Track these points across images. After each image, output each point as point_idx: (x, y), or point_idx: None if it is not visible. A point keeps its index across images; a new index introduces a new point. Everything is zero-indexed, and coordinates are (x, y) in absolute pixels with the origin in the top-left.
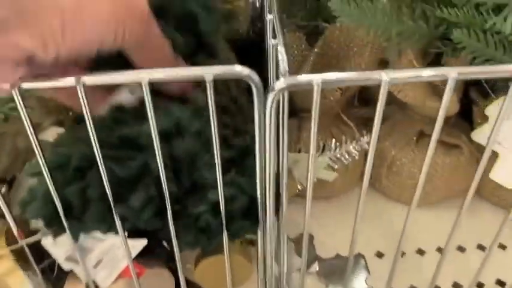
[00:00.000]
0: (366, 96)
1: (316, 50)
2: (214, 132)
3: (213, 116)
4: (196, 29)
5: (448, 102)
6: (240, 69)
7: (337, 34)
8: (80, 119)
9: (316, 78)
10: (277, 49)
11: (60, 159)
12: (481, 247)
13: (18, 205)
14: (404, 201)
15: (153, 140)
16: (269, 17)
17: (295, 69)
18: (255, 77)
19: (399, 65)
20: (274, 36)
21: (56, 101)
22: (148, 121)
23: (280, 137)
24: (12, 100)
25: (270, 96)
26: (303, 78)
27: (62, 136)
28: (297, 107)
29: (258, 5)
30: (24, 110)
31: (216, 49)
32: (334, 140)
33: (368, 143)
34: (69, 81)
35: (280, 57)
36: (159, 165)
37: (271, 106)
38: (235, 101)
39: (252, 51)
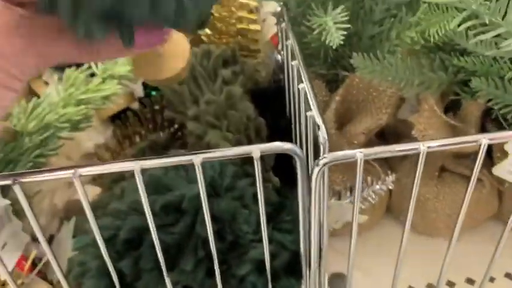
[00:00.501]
0: (384, 131)
1: (337, 98)
2: (262, 208)
3: (260, 189)
4: None
5: (478, 170)
6: (283, 145)
7: (356, 81)
8: (115, 179)
9: (359, 154)
10: (305, 94)
11: (109, 232)
12: (509, 276)
13: (71, 279)
14: (429, 233)
15: (194, 203)
16: (294, 63)
17: None
18: (298, 151)
19: (421, 110)
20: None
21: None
22: (187, 186)
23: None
24: (38, 147)
25: (316, 171)
26: (347, 153)
27: (105, 200)
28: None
29: (279, 58)
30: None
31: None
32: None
33: (393, 182)
34: (66, 173)
35: (319, 129)
36: (207, 224)
37: (317, 179)
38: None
39: (273, 98)
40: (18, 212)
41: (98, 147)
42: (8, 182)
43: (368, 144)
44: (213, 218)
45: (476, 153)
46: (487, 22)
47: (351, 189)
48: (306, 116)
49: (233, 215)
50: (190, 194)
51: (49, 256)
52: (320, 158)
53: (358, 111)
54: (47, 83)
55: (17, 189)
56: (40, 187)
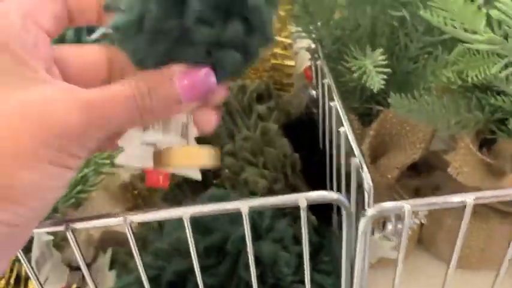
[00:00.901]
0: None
1: (372, 132)
2: (306, 253)
3: (305, 239)
4: None
5: None
6: (330, 195)
7: (390, 116)
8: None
9: (407, 206)
10: (346, 137)
11: (152, 272)
12: None
13: None
14: (461, 266)
15: (237, 245)
16: (333, 103)
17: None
18: (345, 201)
19: (457, 148)
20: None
21: (124, 191)
22: (229, 226)
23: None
24: (79, 184)
25: (363, 222)
26: (393, 205)
27: (143, 233)
28: None
29: (314, 93)
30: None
31: None
32: (393, 217)
33: (426, 217)
34: (116, 220)
35: (363, 172)
36: (250, 268)
37: (363, 230)
38: None
39: (306, 131)
40: (58, 244)
41: (133, 177)
42: (61, 228)
43: (399, 175)
44: (255, 261)
45: None
46: None
47: (384, 224)
48: (348, 161)
49: (274, 259)
50: (234, 236)
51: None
52: (367, 210)
53: (391, 145)
54: None
55: (69, 235)
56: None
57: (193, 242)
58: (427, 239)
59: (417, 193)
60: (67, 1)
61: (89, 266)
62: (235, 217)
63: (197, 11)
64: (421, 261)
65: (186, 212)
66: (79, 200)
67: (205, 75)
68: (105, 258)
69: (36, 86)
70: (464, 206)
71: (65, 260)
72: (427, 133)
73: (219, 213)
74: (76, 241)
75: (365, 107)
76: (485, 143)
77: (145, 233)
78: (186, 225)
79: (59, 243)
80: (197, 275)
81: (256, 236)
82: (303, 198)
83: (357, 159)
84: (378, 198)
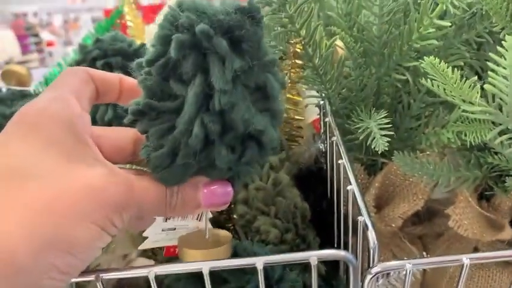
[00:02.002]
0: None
1: (377, 184)
2: None
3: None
4: None
5: None
6: (338, 253)
7: (394, 169)
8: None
9: (408, 265)
10: (354, 195)
11: None
12: None
13: None
14: None
15: None
16: (340, 161)
17: None
18: (352, 259)
19: (457, 202)
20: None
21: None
22: (242, 276)
23: None
24: None
25: (368, 279)
26: (397, 263)
27: None
28: None
29: (322, 146)
30: None
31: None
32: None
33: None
34: (142, 272)
35: (369, 231)
36: None
37: (368, 286)
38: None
39: (315, 182)
40: (80, 285)
41: None
42: (92, 277)
43: (402, 223)
44: None
45: (509, 240)
46: None
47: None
48: (354, 218)
49: None
50: (248, 287)
51: None
52: (372, 268)
53: (395, 195)
54: None
55: (99, 285)
56: (98, 261)
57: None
58: (430, 285)
59: (421, 240)
60: (95, 83)
61: None
62: (247, 267)
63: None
64: None
65: (205, 265)
66: None
67: (224, 187)
68: None
69: (95, 165)
70: (463, 267)
71: None
72: (429, 185)
73: (236, 267)
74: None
75: (370, 159)
76: (485, 197)
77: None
78: (205, 278)
79: (81, 283)
80: None
81: (268, 286)
82: (314, 257)
83: (363, 217)
84: (383, 246)
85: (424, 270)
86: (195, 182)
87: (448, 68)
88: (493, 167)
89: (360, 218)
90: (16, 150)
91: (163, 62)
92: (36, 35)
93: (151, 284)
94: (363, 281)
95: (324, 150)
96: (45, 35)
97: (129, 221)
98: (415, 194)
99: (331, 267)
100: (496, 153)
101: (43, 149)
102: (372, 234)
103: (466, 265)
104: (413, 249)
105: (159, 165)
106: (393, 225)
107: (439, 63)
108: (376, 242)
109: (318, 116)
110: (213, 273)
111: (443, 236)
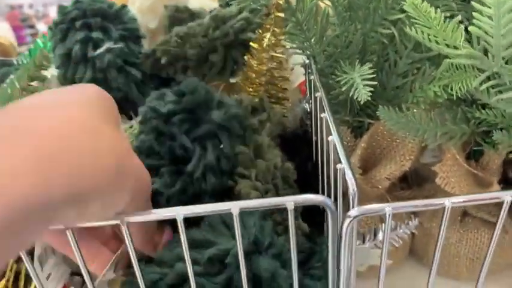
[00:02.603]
0: (406, 174)
1: (363, 144)
2: (294, 256)
3: (293, 240)
4: None
5: (501, 225)
6: (316, 198)
7: (381, 129)
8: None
9: (388, 208)
10: (335, 146)
11: (155, 276)
12: None
13: None
14: (451, 276)
15: (237, 258)
16: (323, 115)
17: None
18: (330, 203)
19: (444, 159)
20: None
21: None
22: (231, 241)
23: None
24: None
25: (346, 223)
26: (376, 207)
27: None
28: None
29: (307, 106)
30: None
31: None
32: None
33: (416, 227)
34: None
35: (348, 177)
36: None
37: (347, 231)
38: None
39: (301, 143)
40: None
41: None
42: (116, 221)
43: (390, 187)
44: (254, 275)
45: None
46: (508, 84)
47: (375, 233)
48: (335, 167)
49: (273, 275)
50: (233, 250)
51: None
52: (350, 211)
53: (382, 156)
54: None
55: (69, 234)
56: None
57: (186, 240)
58: (418, 250)
59: None
60: None
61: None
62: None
63: None
64: (412, 271)
65: (179, 213)
66: None
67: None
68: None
69: None
70: (445, 209)
71: (66, 261)
72: (416, 145)
73: (211, 213)
74: (76, 242)
75: (357, 121)
76: (473, 157)
77: None
78: (179, 225)
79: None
80: (191, 279)
81: (258, 252)
82: (290, 201)
83: (343, 165)
84: None
85: (413, 234)
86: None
87: (430, 7)
88: (480, 121)
89: (339, 166)
90: None
91: None
92: (32, 27)
93: (125, 234)
94: (341, 227)
95: (308, 110)
96: (41, 26)
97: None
98: (402, 155)
99: (316, 228)
100: (483, 107)
101: None
102: (351, 180)
103: (448, 208)
104: (401, 213)
105: None
106: (380, 186)
107: (422, 3)
108: (355, 188)
109: (304, 80)
110: (194, 240)
111: None
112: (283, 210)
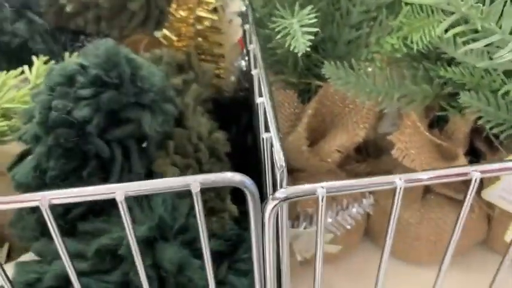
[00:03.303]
0: (363, 145)
1: (309, 111)
2: (205, 245)
3: (202, 227)
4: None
5: (468, 205)
6: (231, 176)
7: (331, 92)
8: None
9: (320, 190)
10: (265, 109)
11: (29, 277)
12: None
13: None
14: (411, 260)
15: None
16: (255, 72)
17: (287, 128)
18: (250, 184)
19: (402, 127)
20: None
21: None
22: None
23: (280, 242)
24: None
25: (269, 207)
26: (306, 188)
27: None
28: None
29: (244, 64)
30: None
31: None
32: (335, 205)
33: (371, 205)
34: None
35: (275, 150)
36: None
37: (270, 217)
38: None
39: (239, 109)
40: None
41: None
42: None
43: (345, 160)
44: (156, 267)
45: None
46: (479, 28)
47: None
48: (262, 137)
49: (180, 266)
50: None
51: None
52: (275, 192)
53: (332, 125)
54: None
55: None
56: None
57: (57, 229)
58: (374, 231)
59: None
60: None
61: None
62: (136, 219)
63: None
64: (368, 254)
65: (44, 198)
66: None
67: None
68: (1, 253)
69: None
70: (396, 190)
71: None
72: (371, 111)
73: (90, 199)
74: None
75: (304, 83)
76: (437, 123)
77: None
78: (45, 213)
79: None
80: (72, 279)
81: (163, 239)
82: (196, 182)
83: (270, 134)
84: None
85: (368, 214)
86: None
87: None
88: (445, 82)
89: (265, 136)
90: None
91: None
92: None
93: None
94: (263, 211)
95: (245, 68)
96: None
97: None
98: (356, 123)
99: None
100: (449, 64)
101: None
102: (279, 155)
103: (400, 188)
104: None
105: None
106: (329, 160)
107: None
108: (283, 164)
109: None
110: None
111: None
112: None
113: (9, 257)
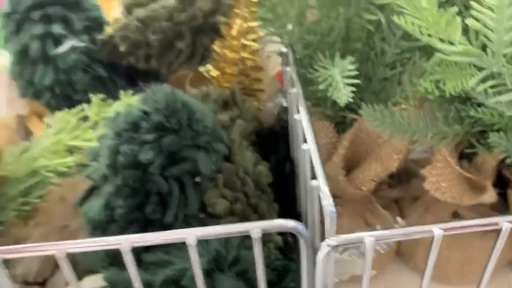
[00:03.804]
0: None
1: (345, 143)
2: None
3: (260, 272)
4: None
5: (498, 253)
6: (286, 223)
7: (365, 126)
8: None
9: (368, 238)
10: (309, 153)
11: None
12: None
13: None
14: (441, 280)
15: (195, 281)
16: (298, 116)
17: (325, 157)
18: (302, 229)
19: (433, 162)
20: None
21: None
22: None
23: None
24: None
25: (322, 254)
26: (355, 237)
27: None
28: None
29: (284, 103)
30: None
31: None
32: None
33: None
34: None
35: (324, 198)
36: None
37: (322, 261)
38: None
39: (278, 140)
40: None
41: None
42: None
43: (377, 186)
44: None
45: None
46: (509, 86)
47: None
48: (310, 184)
49: None
50: (191, 271)
51: None
52: (327, 240)
53: (367, 155)
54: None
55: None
56: (29, 233)
57: (136, 274)
58: (405, 252)
59: (397, 204)
60: None
61: (45, 281)
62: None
63: None
64: (399, 274)
65: (126, 240)
66: (22, 212)
67: None
68: (61, 276)
69: None
70: (433, 238)
71: (16, 276)
72: (404, 144)
73: (164, 243)
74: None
75: (340, 116)
76: (466, 156)
77: None
78: (125, 257)
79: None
80: None
81: (219, 270)
82: (256, 228)
83: (318, 182)
84: (354, 212)
85: None
86: None
87: None
88: (475, 121)
89: (314, 183)
90: None
91: None
92: None
93: (63, 264)
94: (315, 257)
95: (285, 104)
96: None
97: None
98: (389, 155)
99: (294, 240)
100: (479, 105)
101: None
102: (328, 201)
103: (438, 237)
104: (387, 215)
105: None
106: (364, 188)
107: None
108: (333, 209)
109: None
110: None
111: (421, 200)
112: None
113: None
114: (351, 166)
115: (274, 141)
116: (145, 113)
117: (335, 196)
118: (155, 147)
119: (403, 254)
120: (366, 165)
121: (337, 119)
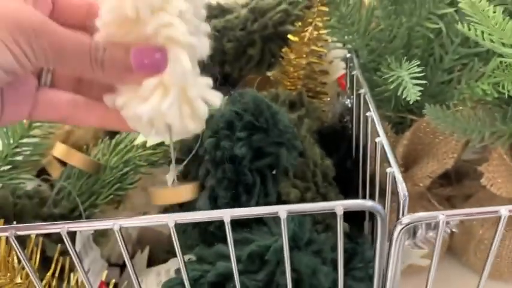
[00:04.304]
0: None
1: (405, 141)
2: (340, 260)
3: (340, 244)
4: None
5: None
6: (365, 203)
7: (423, 126)
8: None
9: (442, 216)
10: (382, 147)
11: (196, 274)
12: None
13: None
14: (491, 276)
15: (276, 255)
16: (369, 114)
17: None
18: (381, 209)
19: (490, 159)
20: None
21: None
22: (270, 239)
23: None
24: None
25: (397, 230)
26: (429, 214)
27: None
28: None
29: (348, 102)
30: None
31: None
32: (424, 225)
33: (457, 226)
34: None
35: (398, 182)
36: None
37: (397, 238)
38: None
39: (340, 139)
40: (96, 240)
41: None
42: (109, 225)
43: (430, 184)
44: (294, 270)
45: None
46: None
47: (414, 232)
48: (383, 171)
49: (313, 271)
50: (274, 246)
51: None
52: (402, 218)
53: (424, 154)
54: None
55: (118, 234)
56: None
57: (232, 244)
58: (457, 248)
59: (449, 202)
60: None
61: (125, 264)
62: (276, 233)
63: None
64: (451, 269)
65: (226, 215)
66: (117, 197)
67: (155, 49)
68: (142, 256)
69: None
70: (498, 217)
71: (103, 256)
72: (460, 143)
73: (258, 216)
74: (123, 238)
75: (398, 116)
76: None
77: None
78: (227, 228)
79: (97, 239)
80: (235, 277)
81: (297, 248)
82: (340, 206)
83: (393, 169)
84: (409, 207)
85: (452, 232)
86: (126, 45)
87: (489, 6)
88: None
89: (389, 170)
90: None
91: None
92: None
93: (118, 238)
94: (391, 233)
95: (350, 106)
96: None
97: (43, 56)
98: (445, 153)
99: (356, 228)
100: None
101: None
102: (402, 185)
103: (504, 217)
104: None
105: None
106: (421, 184)
107: (479, 2)
108: (406, 193)
109: (344, 73)
110: (245, 240)
111: (473, 198)
112: None
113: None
114: (408, 164)
115: (336, 140)
116: (237, 113)
117: (392, 193)
118: (247, 143)
119: (456, 249)
120: (423, 163)
121: (396, 119)
